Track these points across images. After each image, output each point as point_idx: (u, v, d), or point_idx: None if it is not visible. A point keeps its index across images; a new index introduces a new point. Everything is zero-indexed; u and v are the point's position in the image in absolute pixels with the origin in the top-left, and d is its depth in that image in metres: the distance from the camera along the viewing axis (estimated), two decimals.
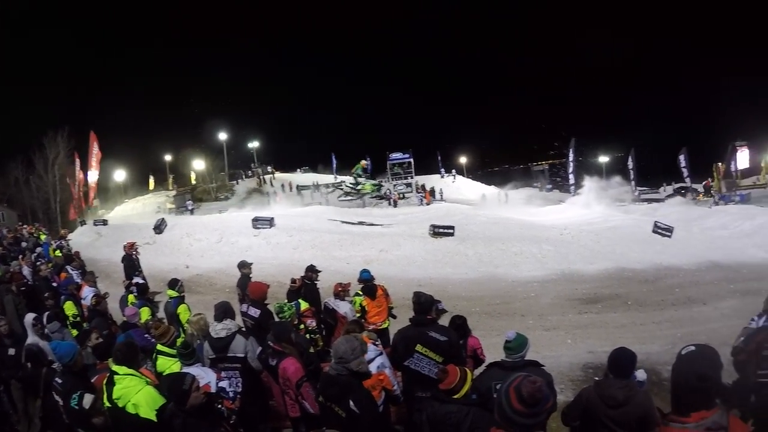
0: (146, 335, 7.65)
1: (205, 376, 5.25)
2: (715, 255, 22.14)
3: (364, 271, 10.02)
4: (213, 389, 5.07)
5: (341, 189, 36.91)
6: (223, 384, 5.42)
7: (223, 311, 6.87)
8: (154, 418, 4.60)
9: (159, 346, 6.49)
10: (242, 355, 6.25)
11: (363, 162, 39.65)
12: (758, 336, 7.25)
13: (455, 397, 4.14)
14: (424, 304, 6.00)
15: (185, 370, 5.29)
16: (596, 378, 8.71)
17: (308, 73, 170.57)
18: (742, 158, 62.69)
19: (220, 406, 4.73)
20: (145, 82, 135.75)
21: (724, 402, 6.85)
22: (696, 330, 13.93)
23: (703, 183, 58.57)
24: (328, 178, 67.44)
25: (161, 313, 10.53)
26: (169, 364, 6.13)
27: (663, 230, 24.58)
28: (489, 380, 4.88)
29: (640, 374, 5.58)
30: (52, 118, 68.80)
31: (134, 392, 4.80)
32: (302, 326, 7.96)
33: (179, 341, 6.63)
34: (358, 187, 35.63)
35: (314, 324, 8.41)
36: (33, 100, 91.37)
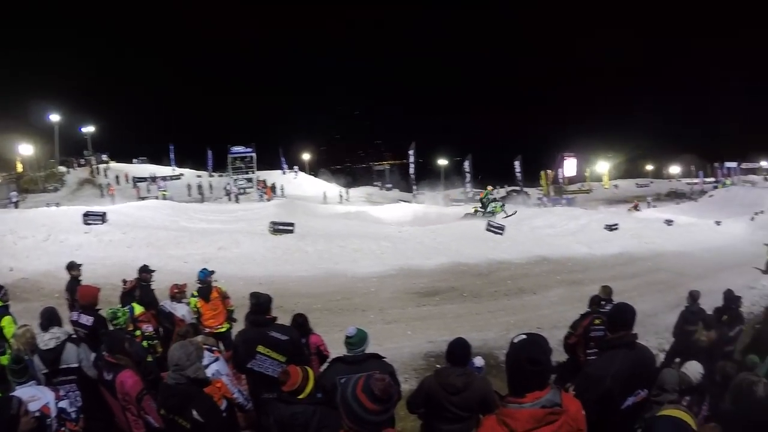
0: None
1: (41, 396, 4.65)
2: (543, 250, 24.00)
3: (202, 271, 9.63)
4: (53, 411, 4.60)
5: (475, 213, 35.45)
6: (63, 404, 4.83)
7: (49, 319, 6.46)
8: None
9: None
10: (76, 365, 5.77)
11: (489, 187, 38.72)
12: (585, 321, 7.90)
13: (300, 397, 4.14)
14: (263, 304, 5.92)
15: (18, 390, 4.72)
16: (437, 366, 9.10)
17: (149, 62, 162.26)
18: (569, 167, 69.55)
19: (63, 429, 4.46)
20: None
21: (558, 381, 7.39)
22: (527, 317, 15.03)
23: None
24: (165, 170, 65.09)
25: None
26: None
27: (495, 228, 26.09)
28: (333, 376, 4.95)
29: (478, 361, 5.92)
30: None
31: None
32: (138, 332, 7.52)
33: (4, 359, 6.10)
34: (490, 209, 34.58)
35: (151, 329, 7.92)
36: None
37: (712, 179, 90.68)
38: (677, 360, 9.57)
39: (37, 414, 4.29)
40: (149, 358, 6.74)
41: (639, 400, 3.92)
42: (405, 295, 16.63)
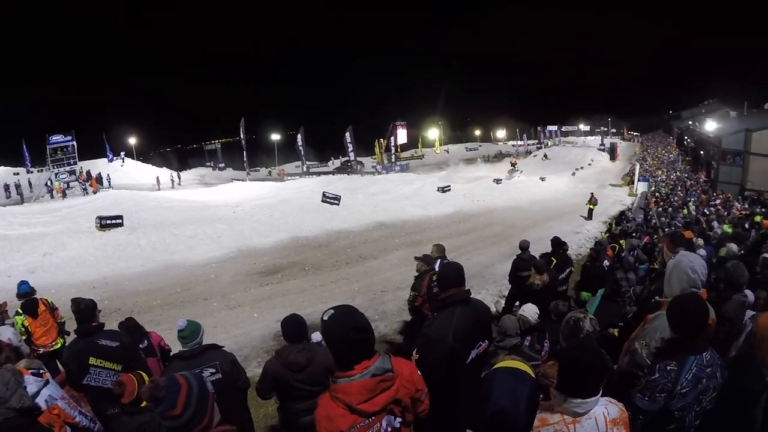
0: None
1: None
2: (380, 216, 24.76)
3: (22, 284, 8.59)
4: None
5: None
6: None
7: None
8: None
9: None
10: None
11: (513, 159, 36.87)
12: (424, 280, 8.05)
13: (143, 405, 3.88)
14: (85, 311, 5.43)
15: None
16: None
17: None
18: (401, 135, 71.72)
19: None
20: None
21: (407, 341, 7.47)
22: (371, 281, 15.36)
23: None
24: None
25: None
26: None
27: (331, 199, 26.42)
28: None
29: (317, 336, 5.81)
30: None
31: None
32: None
33: None
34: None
35: None
36: None
37: (535, 141, 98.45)
38: (517, 304, 10.16)
39: None
40: None
41: (481, 351, 4.03)
42: (247, 276, 16.32)
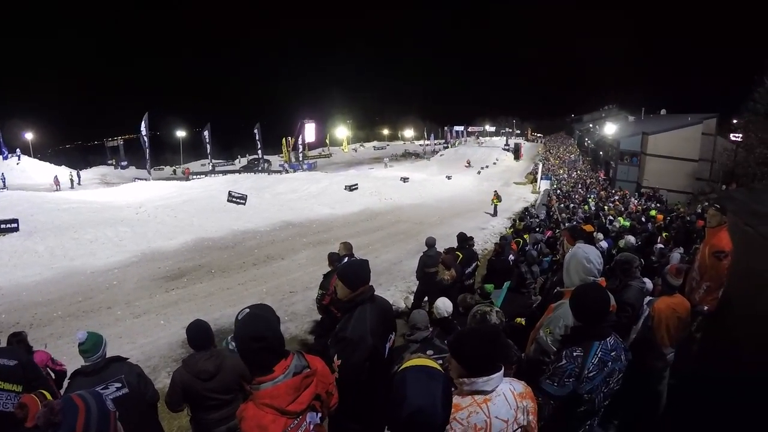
0: None
1: None
2: (287, 215, 24.76)
3: None
4: None
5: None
6: None
7: None
8: None
9: None
10: None
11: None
12: (333, 279, 8.05)
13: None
14: None
15: None
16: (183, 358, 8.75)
17: None
18: (309, 133, 71.66)
19: None
20: None
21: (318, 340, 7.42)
22: (279, 282, 15.30)
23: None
24: None
25: None
26: None
27: (237, 199, 26.28)
28: (74, 391, 4.46)
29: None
30: None
31: None
32: None
33: None
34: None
35: None
36: None
37: (442, 141, 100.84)
38: (426, 299, 10.32)
39: None
40: None
41: (391, 344, 4.09)
42: (151, 282, 15.76)
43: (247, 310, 2.70)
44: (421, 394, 2.23)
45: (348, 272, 4.04)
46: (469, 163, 64.76)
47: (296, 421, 2.63)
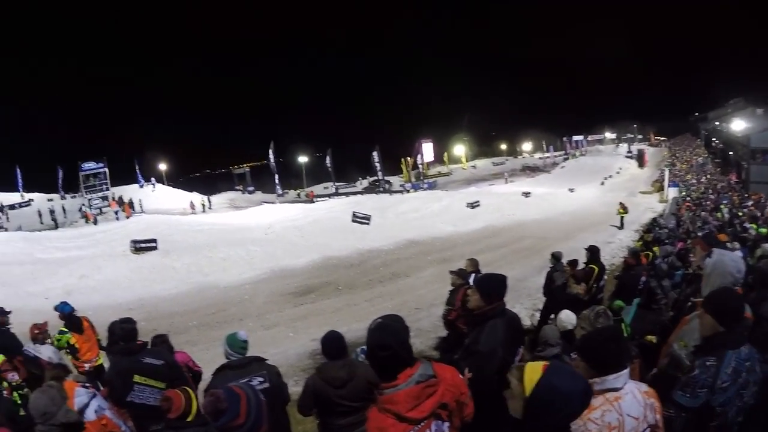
0: None
1: None
2: (410, 234, 24.75)
3: (64, 304, 8.66)
4: None
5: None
6: None
7: None
8: None
9: None
10: None
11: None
12: (459, 294, 8.09)
13: (189, 420, 3.94)
14: (130, 331, 5.58)
15: None
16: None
17: None
18: (427, 152, 71.64)
19: None
20: None
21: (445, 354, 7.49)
22: (405, 299, 15.37)
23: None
24: (13, 197, 57.45)
25: None
26: None
27: (361, 219, 26.60)
28: (222, 384, 4.75)
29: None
30: None
31: None
32: (5, 384, 6.92)
33: None
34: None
35: (17, 377, 7.19)
36: None
37: (561, 152, 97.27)
38: (552, 317, 10.07)
39: None
40: (22, 412, 6.17)
41: (519, 358, 4.12)
42: (280, 297, 16.44)
43: (379, 320, 2.83)
44: (567, 380, 2.26)
45: (487, 284, 4.08)
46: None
47: (417, 428, 2.70)
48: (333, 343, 5.01)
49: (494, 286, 4.08)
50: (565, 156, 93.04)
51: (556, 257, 10.96)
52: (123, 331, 5.58)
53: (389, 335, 2.78)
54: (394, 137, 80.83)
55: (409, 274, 18.67)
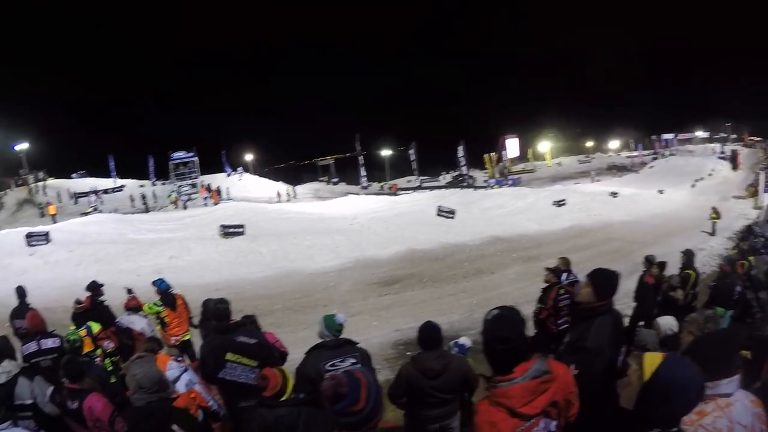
0: None
1: None
2: (495, 230, 24.44)
3: (161, 281, 9.17)
4: None
5: None
6: None
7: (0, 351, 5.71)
8: None
9: None
10: (30, 401, 5.31)
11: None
12: (551, 293, 7.95)
13: (283, 398, 3.98)
14: (224, 310, 5.69)
15: None
16: (408, 354, 9.03)
17: (73, 64, 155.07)
18: (512, 148, 70.14)
19: None
20: None
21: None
22: (489, 296, 15.16)
23: None
24: (106, 182, 62.14)
25: None
26: None
27: (446, 213, 26.53)
28: (317, 362, 4.77)
29: (465, 340, 5.85)
30: None
31: None
32: (99, 351, 7.07)
33: None
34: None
35: (113, 345, 7.48)
36: None
37: (650, 151, 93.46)
38: (641, 323, 9.71)
39: None
40: (113, 379, 6.39)
41: (623, 357, 3.93)
42: (365, 286, 16.58)
43: (496, 311, 2.77)
44: (685, 373, 2.18)
45: (602, 279, 3.95)
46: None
47: (527, 424, 2.63)
48: (430, 334, 4.94)
49: (609, 281, 3.96)
50: (654, 155, 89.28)
51: (649, 261, 10.56)
52: (217, 310, 5.70)
53: (509, 328, 2.72)
54: (478, 132, 79.54)
55: (494, 270, 18.44)
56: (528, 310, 8.55)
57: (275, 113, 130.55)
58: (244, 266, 18.46)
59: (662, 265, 10.22)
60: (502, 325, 2.73)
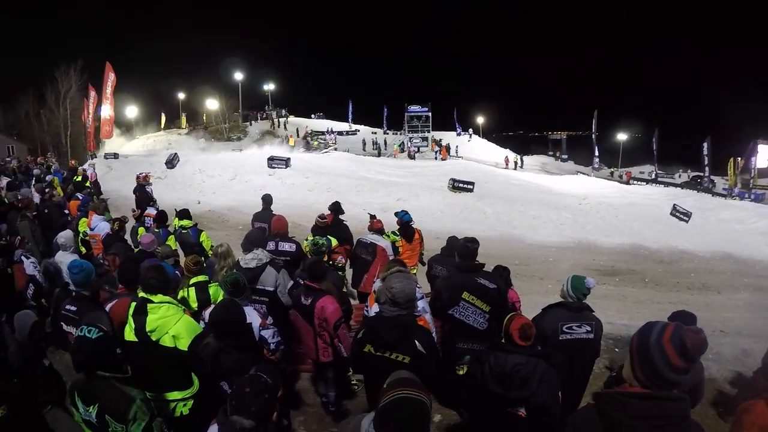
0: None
1: (250, 319, 4.42)
2: (729, 247, 22.04)
3: (404, 212, 9.34)
4: (255, 334, 4.42)
5: None
6: (266, 333, 4.61)
7: (254, 242, 6.31)
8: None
9: (199, 277, 5.74)
10: (272, 289, 5.82)
11: None
12: None
13: (527, 345, 3.91)
14: (472, 250, 5.54)
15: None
16: (616, 349, 8.59)
17: (330, 21, 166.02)
18: (763, 156, 59.49)
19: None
20: (160, 18, 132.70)
21: None
22: (711, 317, 13.75)
23: None
24: (342, 125, 67.92)
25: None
26: (220, 294, 5.29)
27: (681, 214, 24.96)
28: (555, 322, 4.80)
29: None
30: (65, 51, 67.94)
31: (173, 322, 4.29)
32: (331, 263, 7.46)
33: (223, 274, 5.71)
34: None
35: (343, 261, 8.06)
36: (46, 32, 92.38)
37: None
38: None
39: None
40: (344, 289, 6.88)
41: None
42: (584, 270, 15.70)
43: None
44: None
45: None
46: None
47: None
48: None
49: None
50: None
51: None
52: (465, 248, 5.60)
53: None
54: (726, 130, 70.63)
55: (721, 290, 16.55)
56: (750, 344, 7.71)
57: (510, 80, 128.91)
58: (467, 222, 18.72)
59: None
60: None
